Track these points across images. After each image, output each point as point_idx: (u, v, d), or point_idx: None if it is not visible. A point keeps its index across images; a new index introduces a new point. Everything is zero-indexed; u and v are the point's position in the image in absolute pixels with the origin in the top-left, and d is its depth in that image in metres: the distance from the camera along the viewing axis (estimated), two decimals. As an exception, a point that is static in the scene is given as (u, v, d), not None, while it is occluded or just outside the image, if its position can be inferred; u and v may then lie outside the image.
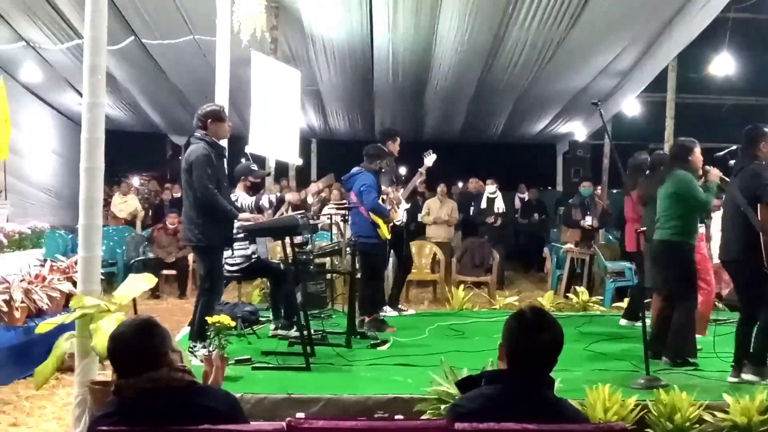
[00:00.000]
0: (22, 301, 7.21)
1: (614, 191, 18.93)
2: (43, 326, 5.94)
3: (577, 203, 13.20)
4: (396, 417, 5.03)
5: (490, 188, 14.49)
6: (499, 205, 14.40)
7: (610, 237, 13.44)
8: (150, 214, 16.30)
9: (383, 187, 8.82)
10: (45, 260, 8.76)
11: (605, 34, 12.47)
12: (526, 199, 17.14)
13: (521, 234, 16.62)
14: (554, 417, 2.83)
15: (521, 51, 13.15)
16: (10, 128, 12.99)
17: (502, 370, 2.95)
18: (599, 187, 16.92)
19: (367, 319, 8.32)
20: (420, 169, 9.61)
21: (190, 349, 6.64)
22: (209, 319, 6.31)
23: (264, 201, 8.11)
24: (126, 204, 15.93)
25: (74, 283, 7.65)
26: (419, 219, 14.05)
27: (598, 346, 7.58)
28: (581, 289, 10.27)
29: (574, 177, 17.28)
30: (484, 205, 14.42)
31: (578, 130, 18.81)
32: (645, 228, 7.01)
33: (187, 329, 7.72)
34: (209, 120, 6.80)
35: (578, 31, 12.17)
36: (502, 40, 12.71)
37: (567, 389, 5.06)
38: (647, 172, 8.33)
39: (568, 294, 10.96)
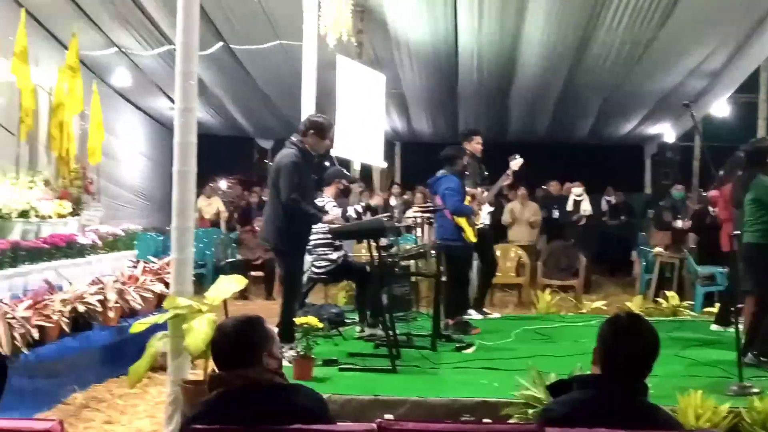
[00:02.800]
0: (116, 302, 7.39)
1: (705, 194, 18.47)
2: (137, 326, 6.09)
3: (667, 206, 12.95)
4: (484, 421, 5.01)
5: (577, 190, 14.30)
6: (586, 208, 14.21)
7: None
8: (236, 216, 16.54)
9: (468, 189, 8.80)
10: (137, 261, 8.97)
11: (695, 34, 12.19)
12: (613, 201, 16.86)
13: (608, 237, 16.34)
14: (648, 423, 2.79)
15: (609, 51, 12.94)
16: (104, 133, 13.37)
17: (596, 375, 2.91)
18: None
19: (451, 322, 8.31)
20: (507, 172, 9.54)
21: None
22: (297, 321, 6.39)
23: (351, 212, 8.19)
24: (210, 206, 16.21)
25: (166, 284, 7.83)
26: (502, 222, 13.95)
27: (689, 352, 7.42)
28: (671, 294, 10.06)
29: (664, 179, 16.94)
30: (569, 207, 14.25)
31: (666, 131, 18.41)
32: (738, 231, 6.88)
33: (274, 330, 7.83)
34: (312, 130, 6.87)
35: (668, 31, 11.92)
36: (589, 40, 12.54)
37: (658, 395, 4.92)
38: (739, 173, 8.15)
39: (657, 298, 10.74)
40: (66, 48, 12.44)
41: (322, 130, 6.95)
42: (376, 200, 9.26)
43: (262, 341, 2.99)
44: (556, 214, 14.66)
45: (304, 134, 6.88)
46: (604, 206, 16.82)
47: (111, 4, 11.92)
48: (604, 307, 9.80)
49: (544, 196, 16.43)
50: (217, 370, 3.03)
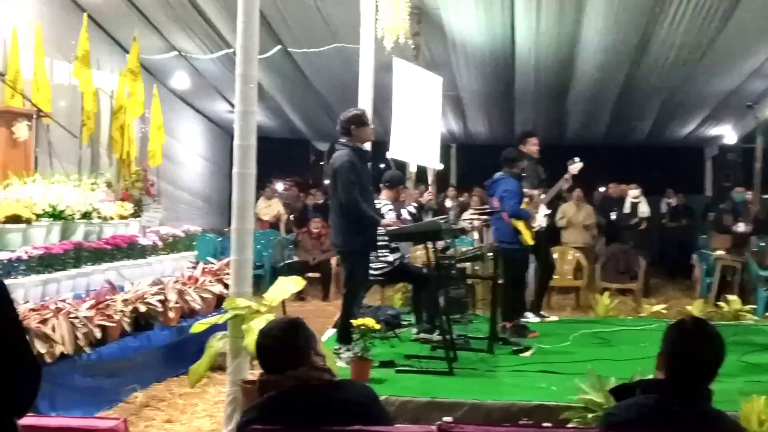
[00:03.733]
0: (176, 302, 7.49)
1: (766, 197, 18.12)
2: (198, 326, 6.16)
3: (728, 208, 12.73)
4: (543, 425, 4.97)
5: (634, 192, 14.13)
6: (644, 210, 14.02)
7: (763, 244, 12.88)
8: (293, 218, 16.66)
9: (526, 190, 8.75)
10: (197, 262, 9.08)
11: (757, 35, 11.95)
12: (673, 204, 16.62)
13: (667, 240, 16.11)
14: (712, 429, 2.76)
15: (668, 52, 12.76)
16: (164, 135, 13.59)
17: (660, 380, 2.88)
18: (750, 192, 16.25)
19: (508, 325, 8.27)
20: (565, 176, 9.44)
21: (335, 351, 6.75)
22: (355, 322, 6.41)
23: (404, 214, 8.20)
24: (270, 208, 16.33)
25: (225, 285, 7.92)
26: (556, 224, 13.83)
27: (752, 357, 7.27)
28: (733, 298, 9.88)
29: (725, 181, 16.66)
30: (627, 209, 14.08)
31: (728, 133, 18.11)
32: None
33: (331, 331, 7.87)
34: (352, 125, 6.92)
35: (729, 32, 11.72)
36: (648, 41, 12.38)
37: (721, 401, 4.82)
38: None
39: (718, 302, 10.55)
40: (127, 52, 12.68)
41: (360, 120, 7.00)
42: (427, 198, 9.22)
43: (308, 341, 3.05)
44: (614, 216, 14.48)
45: (349, 132, 6.93)
46: (663, 208, 16.60)
47: (171, 8, 12.10)
48: (664, 311, 9.66)
49: (603, 199, 16.27)
50: (264, 374, 3.07)
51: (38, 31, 10.15)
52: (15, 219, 6.65)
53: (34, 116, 7.86)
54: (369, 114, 8.68)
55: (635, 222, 13.87)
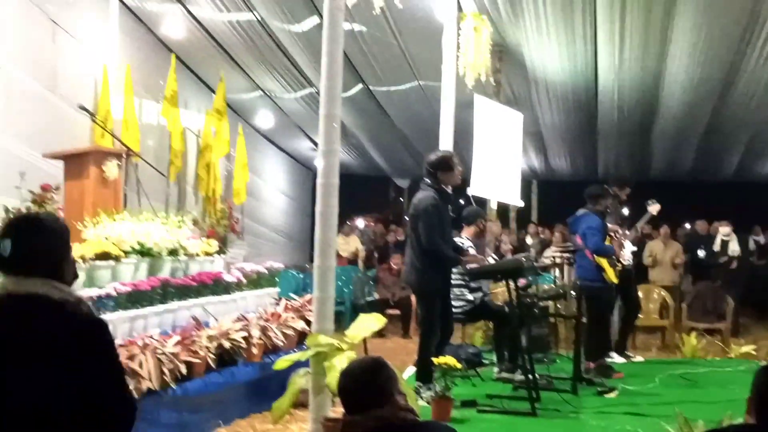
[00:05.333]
0: (260, 338, 7.55)
1: None
2: (281, 363, 6.21)
3: (821, 247, 12.31)
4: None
5: (725, 230, 13.78)
6: (734, 248, 13.66)
7: None
8: (375, 255, 16.72)
9: (609, 226, 8.65)
10: (280, 299, 9.16)
11: None
12: (762, 241, 16.17)
13: (756, 278, 15.64)
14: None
15: (756, 87, 12.49)
16: (248, 173, 13.84)
17: (752, 425, 2.78)
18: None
19: (592, 365, 8.14)
20: (641, 221, 9.38)
21: (417, 389, 6.73)
22: (436, 361, 6.39)
23: (488, 251, 8.18)
24: (348, 245, 16.43)
25: (307, 321, 7.97)
26: (643, 262, 13.57)
27: None
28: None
29: (815, 219, 16.14)
30: (717, 247, 13.73)
31: (819, 168, 17.61)
32: None
33: (411, 369, 7.85)
34: (438, 170, 6.95)
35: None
36: (735, 76, 12.14)
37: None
38: None
39: (811, 344, 10.22)
40: (213, 92, 12.98)
41: (447, 164, 7.02)
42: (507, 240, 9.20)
43: (390, 380, 3.02)
44: (702, 254, 14.13)
45: (434, 176, 6.95)
46: (751, 245, 16.14)
47: (257, 49, 12.36)
48: (754, 352, 9.40)
49: (690, 236, 15.92)
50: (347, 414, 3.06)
51: (128, 71, 10.47)
52: (104, 256, 6.81)
53: (124, 155, 8.07)
54: (450, 149, 8.71)
55: (726, 261, 13.50)
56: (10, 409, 2.43)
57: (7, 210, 6.52)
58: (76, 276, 2.72)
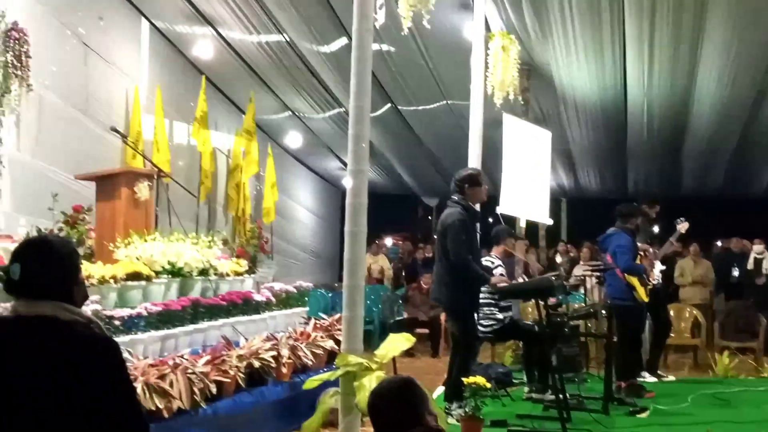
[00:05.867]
0: (289, 357, 7.55)
1: None
2: (311, 382, 6.21)
3: None
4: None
5: (758, 248, 13.63)
6: (768, 266, 13.51)
7: None
8: (404, 273, 16.71)
9: (640, 244, 8.60)
10: (309, 318, 9.17)
11: None
12: (795, 259, 15.97)
13: (790, 297, 15.44)
14: None
15: (788, 103, 12.41)
16: (277, 193, 13.91)
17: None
18: None
19: (624, 384, 8.06)
20: (670, 239, 9.33)
21: (446, 410, 6.71)
22: (465, 380, 6.36)
23: (517, 271, 8.16)
24: (376, 264, 16.44)
25: (336, 341, 7.96)
26: (674, 280, 13.45)
27: None
28: None
29: None
30: (750, 265, 13.58)
31: None
32: None
33: (441, 388, 7.82)
34: (466, 185, 6.98)
35: None
36: (766, 93, 12.06)
37: None
38: None
39: None
40: (243, 112, 13.10)
41: (475, 180, 7.08)
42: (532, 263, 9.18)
43: (421, 400, 3.03)
44: (735, 272, 13.98)
45: (462, 191, 6.98)
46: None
47: (286, 70, 12.46)
48: (788, 372, 9.28)
49: (723, 254, 15.76)
50: None
51: (159, 93, 10.59)
52: (136, 276, 6.86)
53: (155, 176, 8.14)
54: (478, 167, 8.72)
55: (764, 282, 13.32)
56: (22, 429, 2.46)
57: (39, 231, 6.60)
58: (86, 297, 2.76)
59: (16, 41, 7.99)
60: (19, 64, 7.97)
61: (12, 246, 6.57)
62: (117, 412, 2.52)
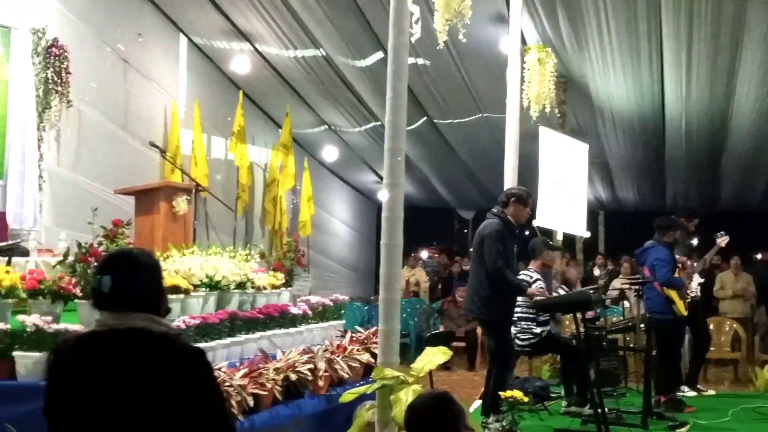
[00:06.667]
0: (326, 371, 7.56)
1: None
2: (347, 396, 6.22)
3: None
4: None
5: (798, 261, 13.47)
6: (811, 279, 13.32)
7: None
8: (440, 286, 16.68)
9: (678, 257, 8.52)
10: (345, 331, 9.17)
11: None
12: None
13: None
14: None
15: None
16: (314, 206, 13.98)
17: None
18: None
19: (663, 398, 7.98)
20: (705, 256, 9.24)
21: (483, 424, 6.68)
22: (502, 394, 6.33)
23: (555, 284, 8.12)
24: (413, 277, 16.43)
25: (372, 354, 7.96)
26: (714, 294, 13.30)
27: None
28: None
29: None
30: (792, 278, 13.40)
31: None
32: None
33: (478, 402, 7.79)
34: (512, 199, 6.98)
35: None
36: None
37: None
38: None
39: None
40: (279, 126, 13.19)
41: (522, 199, 7.04)
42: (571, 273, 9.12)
43: (458, 415, 3.03)
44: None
45: (506, 205, 6.97)
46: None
47: (322, 85, 12.53)
48: (830, 386, 9.12)
49: (763, 267, 15.57)
50: None
51: (196, 108, 10.70)
52: (174, 290, 6.91)
53: (193, 190, 8.21)
54: (513, 181, 8.71)
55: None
56: None
57: (79, 245, 6.66)
58: (168, 310, 2.78)
59: (57, 57, 8.13)
60: (59, 80, 8.11)
61: (53, 260, 6.66)
62: (211, 418, 2.56)
